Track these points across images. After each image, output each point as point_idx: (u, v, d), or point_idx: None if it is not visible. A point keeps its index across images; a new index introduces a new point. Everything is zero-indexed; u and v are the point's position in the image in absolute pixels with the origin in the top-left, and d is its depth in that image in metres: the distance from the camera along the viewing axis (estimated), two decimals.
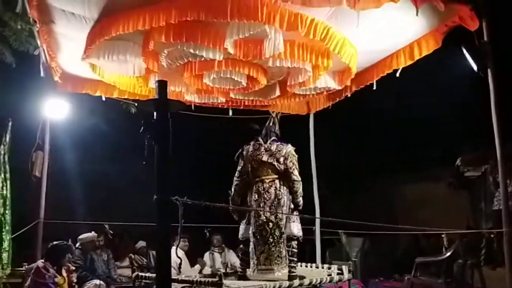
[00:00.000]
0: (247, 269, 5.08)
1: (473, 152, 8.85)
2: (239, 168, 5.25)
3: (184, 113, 5.89)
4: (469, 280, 7.47)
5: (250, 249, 5.00)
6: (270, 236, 4.84)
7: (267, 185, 5.01)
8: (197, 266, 7.86)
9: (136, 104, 6.44)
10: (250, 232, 5.01)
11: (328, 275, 5.06)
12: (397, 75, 5.04)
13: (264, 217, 4.89)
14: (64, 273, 5.73)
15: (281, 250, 4.83)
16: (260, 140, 5.21)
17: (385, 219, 9.79)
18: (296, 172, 5.07)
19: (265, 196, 4.97)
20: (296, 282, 4.60)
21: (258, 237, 4.91)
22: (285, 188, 5.04)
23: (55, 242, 5.78)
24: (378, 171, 11.01)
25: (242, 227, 5.16)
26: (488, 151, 7.00)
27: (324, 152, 7.06)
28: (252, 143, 5.24)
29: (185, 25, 4.09)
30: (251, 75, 5.04)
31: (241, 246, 5.20)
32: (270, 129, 5.35)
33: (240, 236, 5.17)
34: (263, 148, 5.13)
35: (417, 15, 3.97)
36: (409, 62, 4.88)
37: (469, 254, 7.63)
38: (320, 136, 6.99)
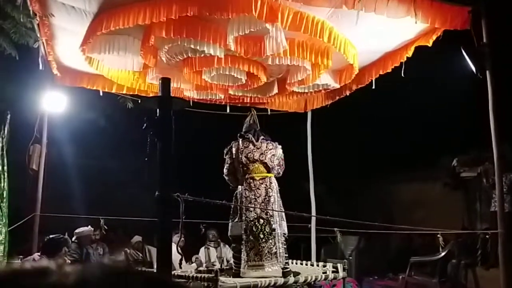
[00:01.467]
0: (241, 266, 5.09)
1: (469, 153, 8.88)
2: (226, 165, 5.22)
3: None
4: (463, 280, 7.52)
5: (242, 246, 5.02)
6: (261, 233, 4.84)
7: (258, 182, 5.01)
8: (194, 265, 7.87)
9: (139, 100, 6.40)
10: (241, 229, 5.00)
11: (323, 273, 5.08)
12: (402, 75, 5.03)
13: (255, 214, 4.90)
14: None
15: (271, 246, 4.83)
16: (250, 137, 5.16)
17: (381, 218, 9.79)
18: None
19: (256, 193, 4.97)
20: (291, 279, 4.62)
21: (249, 233, 4.91)
22: (275, 185, 5.08)
23: (51, 236, 5.75)
24: (374, 171, 11.02)
25: (231, 225, 5.13)
26: (484, 152, 7.04)
27: (321, 150, 7.07)
28: (240, 139, 5.18)
29: (186, 21, 4.09)
30: (250, 72, 5.05)
31: (233, 244, 5.17)
32: (255, 127, 5.32)
33: (229, 233, 5.15)
34: (253, 146, 5.11)
35: (416, 23, 4.05)
36: (404, 59, 4.91)
37: (463, 255, 7.68)
38: (317, 134, 7.00)
